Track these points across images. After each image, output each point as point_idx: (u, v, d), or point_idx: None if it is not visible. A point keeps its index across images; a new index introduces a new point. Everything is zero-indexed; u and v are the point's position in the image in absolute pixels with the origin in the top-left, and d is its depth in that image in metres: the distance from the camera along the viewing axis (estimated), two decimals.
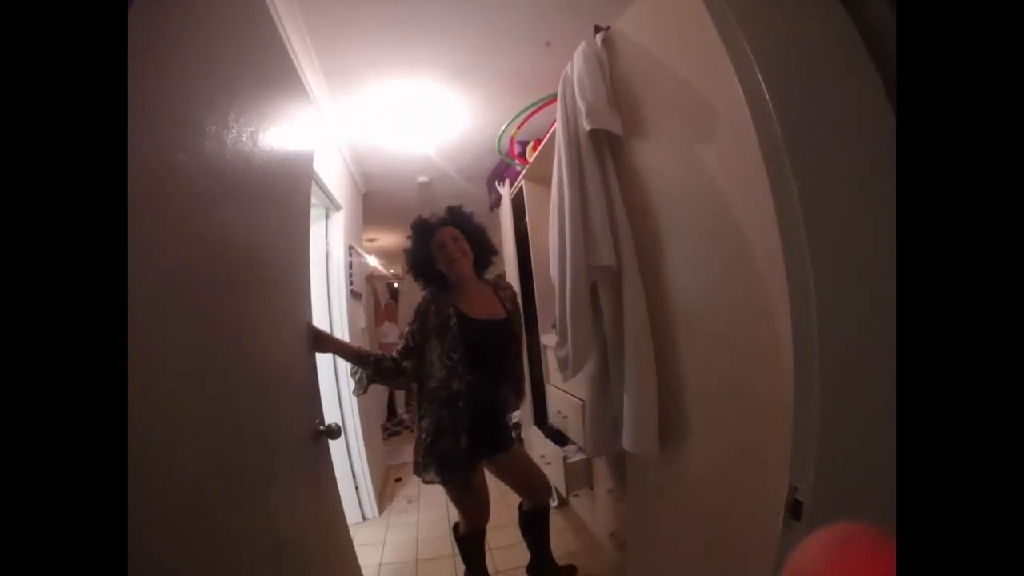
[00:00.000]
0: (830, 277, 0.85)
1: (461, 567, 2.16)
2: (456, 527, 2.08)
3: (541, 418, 3.05)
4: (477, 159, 3.83)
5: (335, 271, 3.13)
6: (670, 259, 1.36)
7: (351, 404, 3.04)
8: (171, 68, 0.76)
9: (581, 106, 1.50)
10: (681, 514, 1.44)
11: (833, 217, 0.86)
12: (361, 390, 1.85)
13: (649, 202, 1.42)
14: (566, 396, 2.46)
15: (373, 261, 5.38)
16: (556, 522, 2.14)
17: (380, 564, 2.64)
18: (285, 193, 1.32)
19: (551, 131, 2.35)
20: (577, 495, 2.61)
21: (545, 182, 2.42)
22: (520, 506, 2.14)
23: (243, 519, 0.93)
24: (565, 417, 2.53)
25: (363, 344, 3.75)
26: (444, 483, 1.82)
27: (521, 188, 3.15)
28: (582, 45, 1.59)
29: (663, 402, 1.40)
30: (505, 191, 3.51)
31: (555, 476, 2.47)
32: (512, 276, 3.44)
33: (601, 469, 2.25)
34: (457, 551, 2.14)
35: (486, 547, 2.08)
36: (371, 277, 5.63)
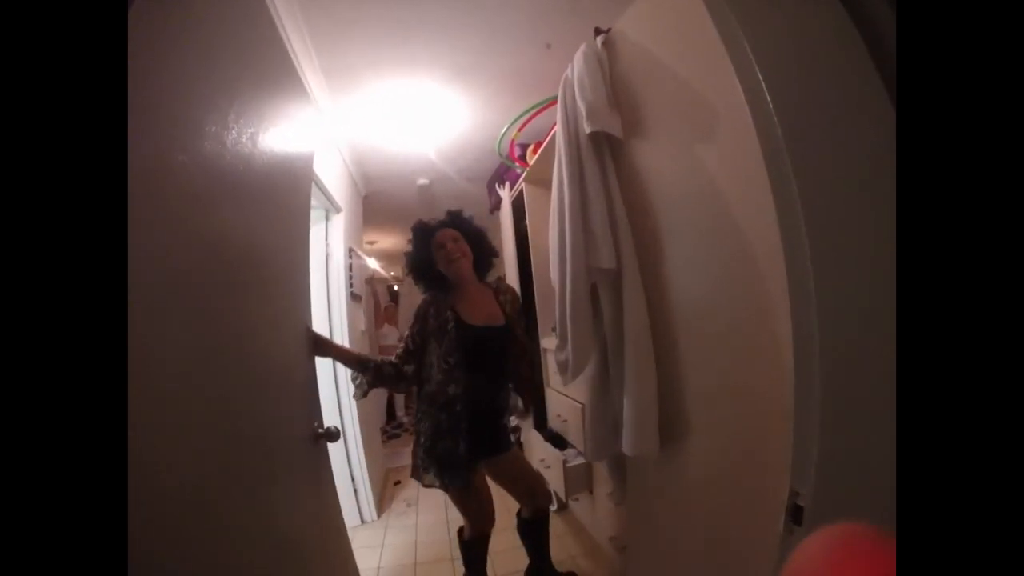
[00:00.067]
0: (830, 277, 0.85)
1: (460, 570, 2.15)
2: (461, 531, 2.06)
3: (541, 422, 3.04)
4: (477, 161, 3.83)
5: (335, 273, 3.12)
6: (670, 259, 1.36)
7: (350, 407, 3.03)
8: (171, 68, 0.76)
9: (581, 108, 1.50)
10: (681, 514, 1.43)
11: (833, 217, 0.86)
12: (361, 394, 1.85)
13: (649, 202, 1.42)
14: (566, 400, 2.45)
15: (373, 263, 5.38)
16: (556, 526, 2.13)
17: (379, 567, 2.63)
18: (285, 194, 1.32)
19: (551, 133, 2.35)
20: (577, 499, 2.60)
21: (545, 185, 2.42)
22: (519, 513, 2.13)
23: (243, 519, 0.92)
24: (565, 421, 2.52)
25: (363, 346, 3.75)
26: (445, 487, 1.81)
27: (521, 191, 3.15)
28: (582, 47, 1.59)
29: (663, 402, 1.39)
30: (505, 194, 3.51)
31: (555, 480, 2.47)
32: (512, 279, 3.44)
33: (601, 473, 2.24)
34: (457, 555, 2.13)
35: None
36: (371, 279, 5.63)
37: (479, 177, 4.19)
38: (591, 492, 2.44)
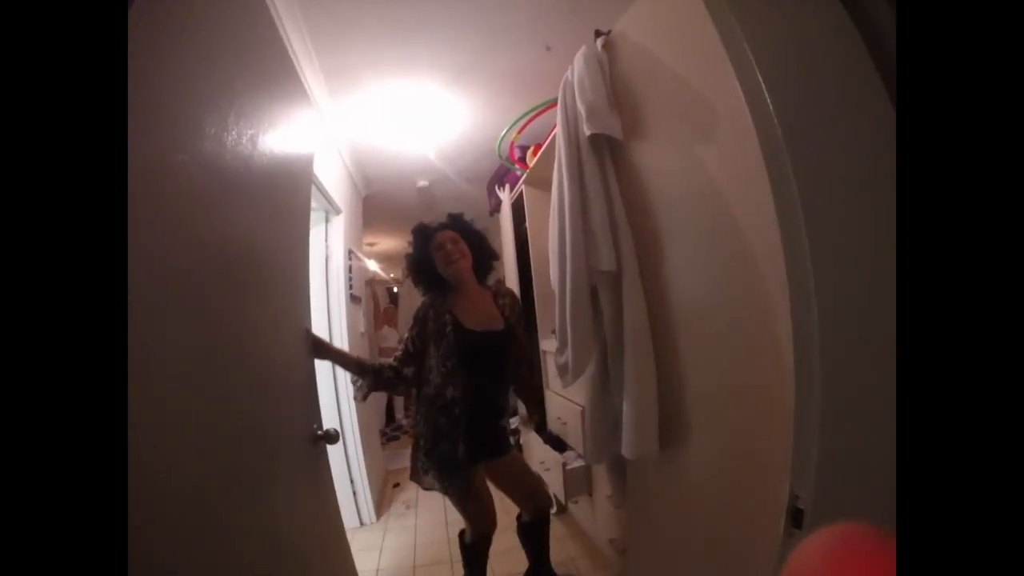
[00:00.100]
0: (830, 277, 0.85)
1: (459, 572, 2.15)
2: (462, 534, 2.06)
3: (540, 424, 3.04)
4: (477, 162, 3.84)
5: (335, 275, 3.13)
6: (670, 259, 1.36)
7: (349, 409, 3.03)
8: (171, 68, 0.76)
9: (581, 110, 1.51)
10: (681, 514, 1.43)
11: (833, 217, 0.86)
12: (362, 397, 1.85)
13: (649, 202, 1.42)
14: (565, 402, 2.45)
15: (373, 265, 5.38)
16: (555, 529, 2.14)
17: (377, 569, 2.63)
18: (285, 194, 1.32)
19: (551, 135, 2.35)
20: (576, 502, 2.60)
21: (545, 186, 2.42)
22: (519, 516, 2.12)
23: (242, 519, 0.92)
24: (564, 423, 2.52)
25: (362, 348, 3.75)
26: (445, 490, 1.81)
27: (521, 193, 3.15)
28: (583, 48, 1.59)
29: (663, 403, 1.39)
30: (505, 195, 3.52)
31: (554, 482, 2.46)
32: (512, 281, 3.44)
33: (600, 475, 2.24)
34: (456, 557, 2.12)
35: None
36: (371, 281, 5.64)
37: (479, 179, 4.20)
38: (591, 495, 2.44)
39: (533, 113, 2.70)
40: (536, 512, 2.05)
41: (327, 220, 3.12)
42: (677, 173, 1.31)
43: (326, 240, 3.12)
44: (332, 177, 3.00)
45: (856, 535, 0.32)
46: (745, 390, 1.12)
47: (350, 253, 3.38)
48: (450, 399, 1.78)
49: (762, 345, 1.03)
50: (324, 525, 1.46)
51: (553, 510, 2.18)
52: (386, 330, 6.33)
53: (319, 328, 2.43)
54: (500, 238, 3.67)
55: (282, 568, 1.07)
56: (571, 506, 2.74)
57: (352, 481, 3.09)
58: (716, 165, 1.15)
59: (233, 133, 0.95)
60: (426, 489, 1.85)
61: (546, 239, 1.79)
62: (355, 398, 1.89)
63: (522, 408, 2.16)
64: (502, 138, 3.02)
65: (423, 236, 1.96)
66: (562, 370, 1.67)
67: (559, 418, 2.61)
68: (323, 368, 2.08)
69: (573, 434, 2.40)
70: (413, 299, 2.10)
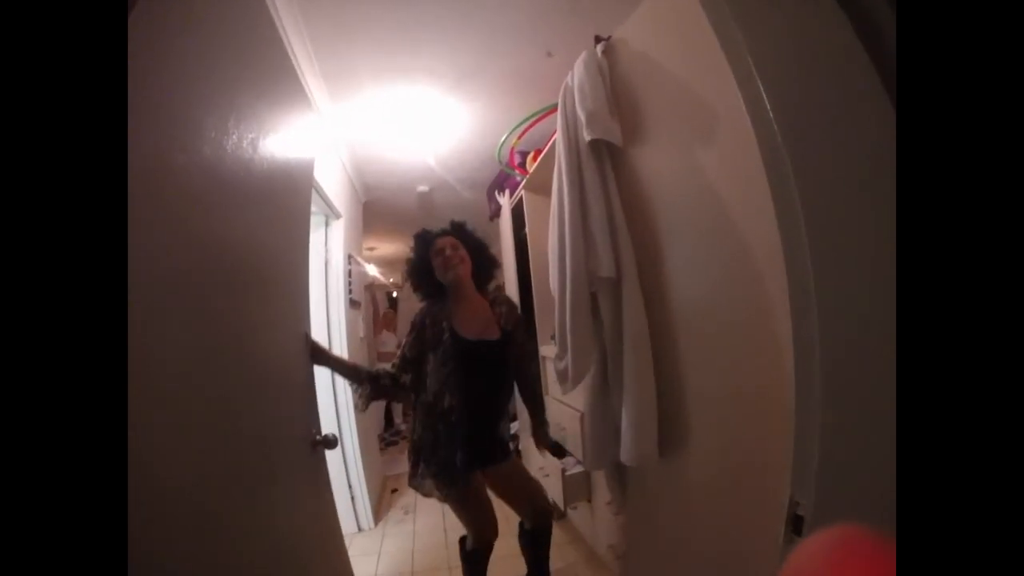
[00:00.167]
0: (830, 278, 0.85)
1: None
2: (462, 540, 2.04)
3: (544, 436, 3.02)
4: (477, 168, 3.85)
5: (334, 279, 3.12)
6: (670, 260, 1.37)
7: (348, 414, 3.02)
8: (171, 68, 0.76)
9: (581, 116, 1.51)
10: (681, 515, 1.43)
11: (833, 217, 0.86)
12: (364, 406, 1.85)
13: (650, 205, 1.42)
14: (564, 408, 2.45)
15: (372, 270, 5.39)
16: (554, 535, 2.13)
17: (376, 575, 2.61)
18: (285, 197, 1.32)
19: (551, 141, 2.36)
20: (575, 508, 2.59)
21: (545, 192, 2.43)
22: (521, 523, 2.10)
23: (242, 520, 0.92)
24: (564, 429, 2.51)
25: (362, 353, 3.74)
26: (444, 498, 1.81)
27: (521, 198, 3.16)
28: (583, 54, 1.60)
29: (664, 406, 1.39)
30: (505, 201, 3.52)
31: (553, 488, 2.45)
32: (512, 286, 3.44)
33: (599, 481, 2.23)
34: (454, 563, 2.10)
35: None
36: (370, 286, 5.64)
37: (479, 184, 4.21)
38: (590, 501, 2.43)
39: (533, 119, 2.71)
40: (538, 520, 2.03)
41: (327, 224, 3.13)
42: (677, 175, 1.31)
43: (326, 244, 3.12)
44: (332, 181, 3.00)
45: (855, 537, 0.31)
46: (745, 391, 1.12)
47: (350, 258, 3.38)
48: (448, 407, 1.78)
49: (762, 346, 1.03)
50: (323, 526, 1.45)
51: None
52: (385, 335, 6.33)
53: (318, 332, 2.43)
54: (500, 243, 3.67)
55: (281, 569, 1.06)
56: (570, 512, 2.73)
57: (350, 486, 3.07)
58: (716, 166, 1.15)
59: (234, 136, 0.95)
60: (425, 495, 1.84)
61: (546, 244, 1.79)
62: (356, 407, 1.88)
63: (523, 414, 2.14)
64: (502, 143, 3.03)
65: (424, 241, 1.96)
66: (562, 376, 1.67)
67: (558, 424, 2.60)
68: (322, 373, 2.08)
69: (572, 440, 2.40)
70: (412, 304, 2.10)
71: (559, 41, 2.31)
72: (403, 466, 2.08)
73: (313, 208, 2.32)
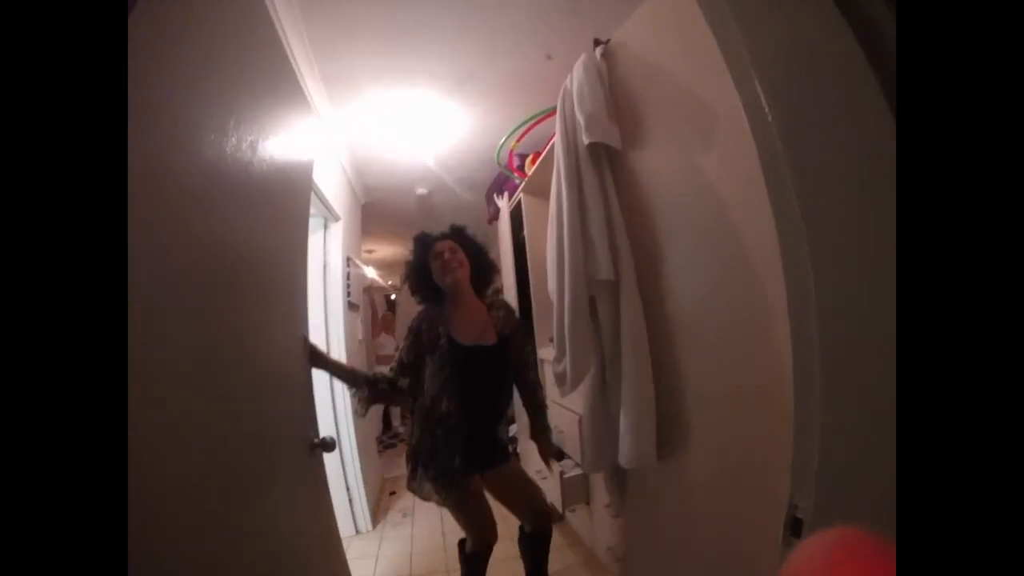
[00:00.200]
0: (830, 278, 0.85)
1: None
2: (462, 543, 2.03)
3: (546, 441, 3.01)
4: (476, 170, 3.85)
5: (333, 282, 3.12)
6: (670, 261, 1.37)
7: (346, 416, 3.01)
8: (171, 68, 0.76)
9: (580, 119, 1.52)
10: (681, 515, 1.42)
11: (833, 217, 0.86)
12: (363, 411, 1.85)
13: (649, 206, 1.42)
14: (563, 410, 2.45)
15: (371, 272, 5.38)
16: (553, 537, 2.12)
17: None
18: (284, 198, 1.32)
19: (550, 144, 2.36)
20: (574, 510, 2.59)
21: (544, 195, 2.43)
22: (520, 527, 2.09)
23: (242, 520, 0.92)
24: (562, 432, 2.51)
25: (360, 355, 3.74)
26: (443, 502, 1.80)
27: (520, 201, 3.16)
28: (582, 57, 1.60)
29: (663, 407, 1.39)
30: (504, 203, 3.52)
31: (552, 491, 2.45)
32: (510, 289, 3.43)
33: (598, 484, 2.23)
34: (453, 566, 2.09)
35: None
36: (369, 288, 5.63)
37: (478, 187, 4.21)
38: (588, 504, 2.43)
39: (532, 121, 2.71)
40: (537, 523, 2.02)
41: (326, 227, 3.12)
42: (677, 176, 1.31)
43: (324, 247, 3.11)
44: (331, 184, 3.00)
45: (855, 538, 0.32)
46: (745, 391, 1.12)
47: (348, 260, 3.38)
48: (445, 411, 1.77)
49: (761, 346, 1.03)
50: (321, 530, 1.45)
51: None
52: (384, 337, 6.33)
53: (317, 335, 2.42)
54: (499, 246, 3.67)
55: (281, 570, 1.06)
56: (568, 515, 2.73)
57: (348, 489, 3.06)
58: (715, 167, 1.16)
59: (233, 138, 0.95)
60: (424, 499, 1.84)
61: (544, 247, 1.80)
62: (355, 412, 1.87)
63: (522, 417, 2.14)
64: (501, 146, 3.03)
65: (423, 244, 1.96)
66: (560, 379, 1.66)
67: (556, 427, 2.59)
68: (320, 376, 2.08)
69: (570, 443, 2.40)
70: (411, 306, 2.09)
71: (559, 43, 2.31)
72: (401, 469, 2.07)
73: (312, 210, 2.32)
